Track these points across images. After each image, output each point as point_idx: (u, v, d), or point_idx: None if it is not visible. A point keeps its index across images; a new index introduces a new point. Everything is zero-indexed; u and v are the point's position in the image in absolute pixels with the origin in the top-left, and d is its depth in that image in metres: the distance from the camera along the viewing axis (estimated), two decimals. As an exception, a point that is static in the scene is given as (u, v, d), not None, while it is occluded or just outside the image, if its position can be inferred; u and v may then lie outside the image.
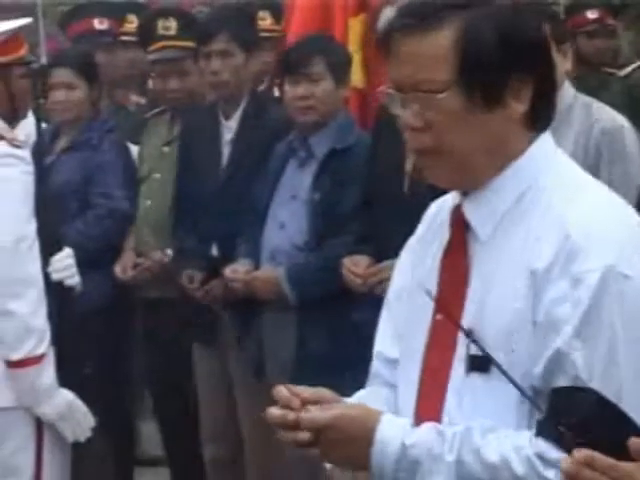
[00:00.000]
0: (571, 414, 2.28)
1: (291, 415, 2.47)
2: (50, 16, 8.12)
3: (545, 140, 2.59)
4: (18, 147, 4.72)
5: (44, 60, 6.28)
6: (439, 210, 2.71)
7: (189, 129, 6.10)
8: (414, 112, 2.49)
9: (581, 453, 2.03)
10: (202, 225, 5.86)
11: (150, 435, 6.95)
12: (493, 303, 2.49)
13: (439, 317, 2.58)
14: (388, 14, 3.64)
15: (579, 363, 2.35)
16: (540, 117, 2.54)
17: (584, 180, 2.63)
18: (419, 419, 2.58)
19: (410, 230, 2.82)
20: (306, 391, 2.52)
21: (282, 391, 2.52)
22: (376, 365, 2.79)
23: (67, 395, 4.69)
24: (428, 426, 2.51)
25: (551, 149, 2.61)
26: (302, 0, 6.18)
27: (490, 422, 2.47)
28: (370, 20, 5.85)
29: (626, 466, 2.04)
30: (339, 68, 5.49)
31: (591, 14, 7.89)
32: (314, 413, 2.48)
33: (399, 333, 2.73)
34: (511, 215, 2.52)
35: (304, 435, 2.47)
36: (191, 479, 6.25)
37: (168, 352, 6.12)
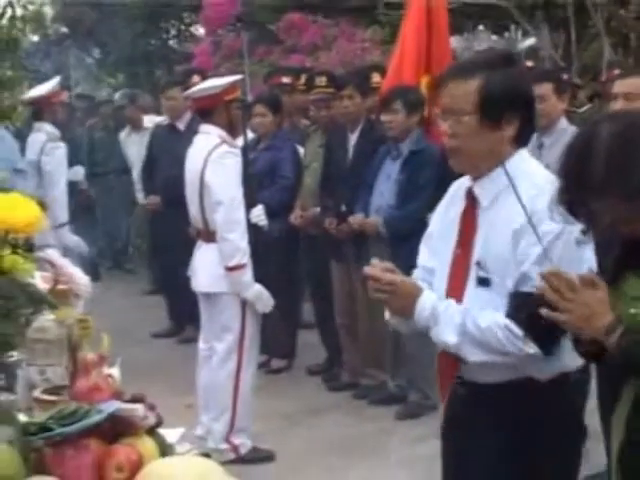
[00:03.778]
0: (526, 306, 2.33)
1: (378, 273, 2.48)
2: (254, 75, 8.20)
3: (523, 153, 2.56)
4: (234, 147, 4.82)
5: (250, 99, 6.37)
6: (458, 187, 2.67)
7: (331, 138, 6.09)
8: (448, 125, 2.49)
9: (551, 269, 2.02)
10: (337, 193, 5.85)
11: (309, 310, 6.92)
12: (492, 245, 2.48)
13: (458, 251, 2.57)
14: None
15: (536, 279, 2.31)
16: (522, 138, 2.52)
17: (542, 172, 2.57)
18: None
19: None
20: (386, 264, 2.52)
21: (376, 263, 2.53)
22: (418, 271, 2.74)
23: (258, 287, 4.75)
24: (448, 302, 2.53)
25: (527, 158, 2.57)
26: (392, 65, 6.17)
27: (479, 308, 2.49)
28: (432, 79, 5.75)
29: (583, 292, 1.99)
30: (411, 104, 5.44)
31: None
32: (390, 275, 2.48)
33: (432, 255, 2.71)
34: (502, 194, 2.49)
35: (383, 287, 2.49)
36: (330, 336, 6.24)
37: (317, 264, 6.14)
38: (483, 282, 2.49)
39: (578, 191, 1.97)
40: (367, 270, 2.53)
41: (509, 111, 2.47)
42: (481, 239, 2.52)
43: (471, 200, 2.57)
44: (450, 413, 2.70)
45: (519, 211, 2.41)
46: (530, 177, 2.51)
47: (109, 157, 9.28)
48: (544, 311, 2.03)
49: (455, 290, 2.56)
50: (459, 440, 2.66)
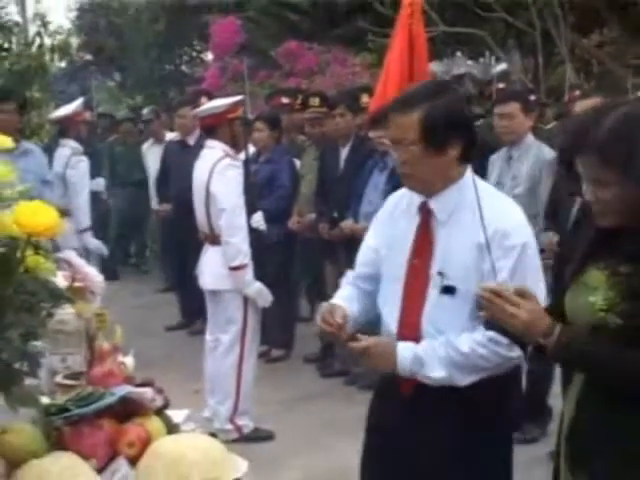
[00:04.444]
0: None
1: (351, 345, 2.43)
2: (255, 96, 8.18)
3: (470, 171, 2.47)
4: (236, 160, 4.79)
5: (250, 117, 6.34)
6: (401, 197, 2.58)
7: (324, 152, 6.06)
8: (398, 154, 2.43)
9: (490, 285, 1.96)
10: (329, 201, 5.83)
11: (305, 306, 6.90)
12: (454, 256, 2.40)
13: (415, 262, 2.46)
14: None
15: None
16: (467, 157, 2.45)
17: (494, 191, 2.52)
18: (403, 323, 2.47)
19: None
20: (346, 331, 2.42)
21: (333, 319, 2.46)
22: (354, 276, 2.68)
23: (258, 284, 4.72)
24: (425, 342, 2.42)
25: (471, 176, 2.47)
26: (378, 87, 6.17)
27: (454, 335, 2.37)
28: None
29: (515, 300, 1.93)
30: None
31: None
32: (359, 344, 2.42)
33: (371, 263, 2.60)
34: (458, 209, 2.42)
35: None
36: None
37: (313, 265, 6.14)
38: (448, 290, 2.40)
39: (579, 150, 1.86)
40: (323, 330, 2.47)
41: (452, 136, 2.39)
42: (441, 251, 2.43)
43: (426, 214, 2.48)
44: (391, 413, 2.55)
45: (478, 225, 2.33)
46: (483, 193, 2.43)
47: (131, 169, 9.30)
48: (482, 313, 1.99)
49: (413, 297, 2.47)
50: (404, 440, 2.50)
